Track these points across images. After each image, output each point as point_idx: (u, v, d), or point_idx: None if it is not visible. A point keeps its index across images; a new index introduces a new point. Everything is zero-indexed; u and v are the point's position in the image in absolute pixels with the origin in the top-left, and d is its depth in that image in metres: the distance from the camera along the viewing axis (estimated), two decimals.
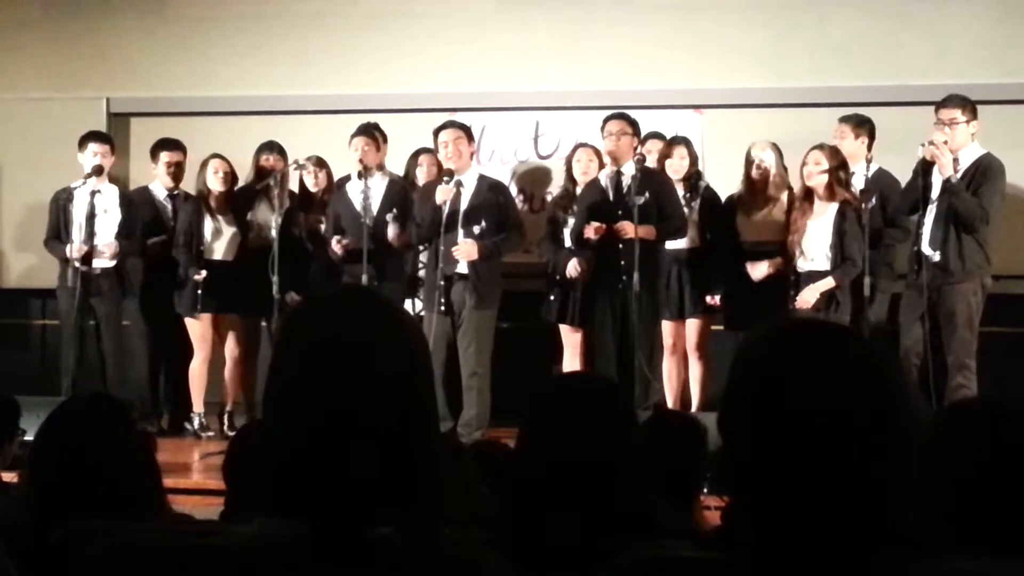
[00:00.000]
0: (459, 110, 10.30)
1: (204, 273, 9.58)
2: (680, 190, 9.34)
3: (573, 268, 9.18)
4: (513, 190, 10.34)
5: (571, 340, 9.39)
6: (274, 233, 9.34)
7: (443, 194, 9.02)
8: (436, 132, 9.33)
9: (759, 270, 8.83)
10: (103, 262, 9.70)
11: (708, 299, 9.32)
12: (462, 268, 9.06)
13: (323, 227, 9.77)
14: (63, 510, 3.19)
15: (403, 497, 1.89)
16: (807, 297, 8.56)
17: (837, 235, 8.50)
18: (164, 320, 9.98)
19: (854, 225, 8.50)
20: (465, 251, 9.01)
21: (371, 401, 1.88)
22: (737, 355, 1.96)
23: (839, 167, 8.59)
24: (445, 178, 9.10)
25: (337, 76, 11.10)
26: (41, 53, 11.62)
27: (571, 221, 9.38)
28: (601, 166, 9.38)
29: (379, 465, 1.86)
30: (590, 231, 8.90)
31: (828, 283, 8.55)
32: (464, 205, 9.12)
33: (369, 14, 11.14)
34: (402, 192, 9.60)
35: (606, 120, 9.19)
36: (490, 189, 9.26)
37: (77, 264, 9.48)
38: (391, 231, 9.39)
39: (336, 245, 9.35)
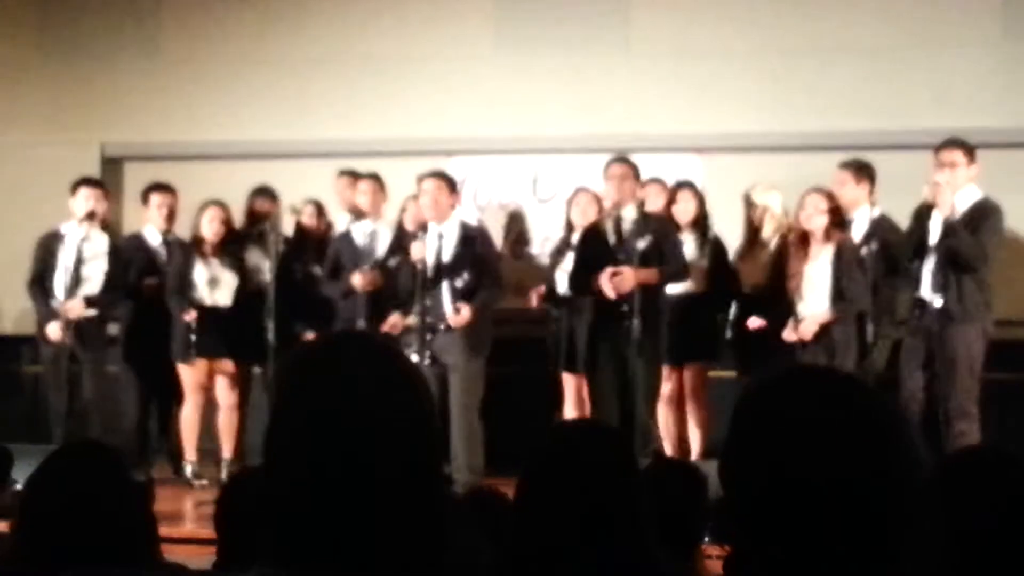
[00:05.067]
0: (457, 154, 10.34)
1: (194, 314, 9.55)
2: (690, 236, 9.34)
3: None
4: (510, 235, 10.34)
5: (572, 387, 9.35)
6: (268, 278, 9.36)
7: (418, 251, 9.03)
8: (420, 179, 9.32)
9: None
10: (88, 311, 9.71)
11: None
12: (448, 319, 9.04)
13: (317, 269, 9.79)
14: (54, 560, 3.15)
15: (406, 546, 1.85)
16: (807, 328, 8.52)
17: (835, 275, 8.48)
18: (155, 366, 9.93)
19: (852, 265, 8.48)
20: (461, 320, 8.98)
21: (373, 448, 1.85)
22: (739, 404, 1.96)
23: (836, 209, 8.59)
24: (420, 233, 9.10)
25: (334, 121, 11.13)
26: (35, 97, 11.68)
27: (563, 265, 9.40)
28: (600, 211, 9.36)
29: (382, 513, 1.84)
30: (610, 284, 8.83)
31: (826, 315, 8.50)
32: (446, 257, 9.11)
33: (366, 59, 11.18)
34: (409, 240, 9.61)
35: (609, 163, 9.17)
36: (469, 238, 9.22)
37: (63, 315, 9.51)
38: (357, 276, 9.38)
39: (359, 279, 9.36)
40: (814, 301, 8.57)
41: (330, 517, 1.83)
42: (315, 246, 10.06)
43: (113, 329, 10.14)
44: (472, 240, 9.23)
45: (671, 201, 9.48)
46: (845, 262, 8.49)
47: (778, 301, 8.75)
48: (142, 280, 9.96)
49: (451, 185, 9.29)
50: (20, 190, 11.32)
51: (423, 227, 9.13)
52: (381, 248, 9.54)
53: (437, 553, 1.89)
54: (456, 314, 8.98)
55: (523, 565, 2.79)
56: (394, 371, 1.94)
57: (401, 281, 9.33)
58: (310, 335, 9.41)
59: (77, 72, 11.61)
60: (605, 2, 10.92)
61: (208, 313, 9.66)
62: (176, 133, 11.33)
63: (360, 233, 9.48)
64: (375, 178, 9.66)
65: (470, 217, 9.81)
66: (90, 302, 9.65)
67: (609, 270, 8.84)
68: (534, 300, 9.59)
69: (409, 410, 1.91)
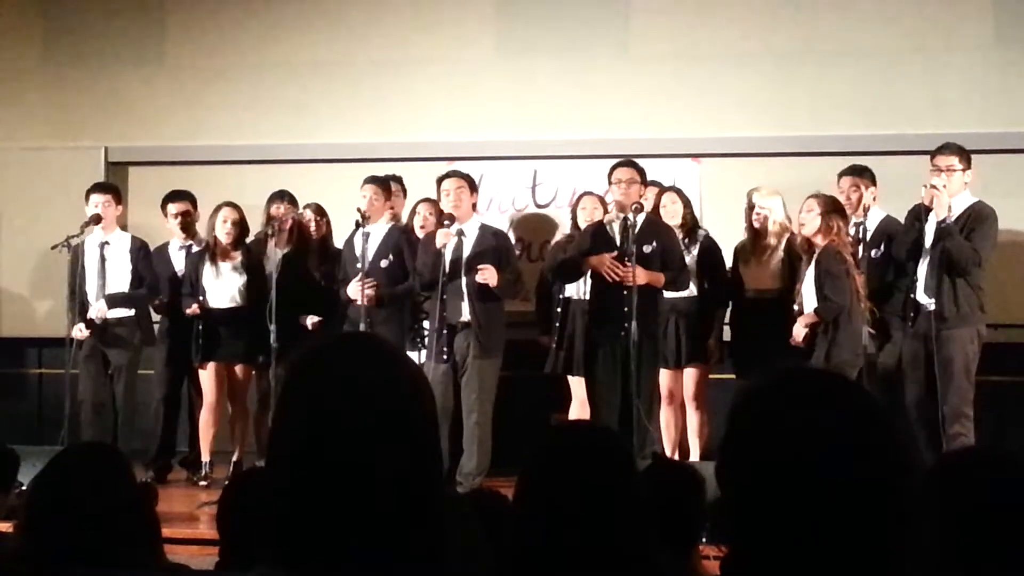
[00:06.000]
0: (458, 159, 10.32)
1: (195, 307, 9.59)
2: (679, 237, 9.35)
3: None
4: (510, 239, 10.34)
5: (578, 390, 9.37)
6: (272, 280, 9.38)
7: (443, 237, 9.01)
8: (439, 180, 9.34)
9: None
10: (117, 311, 9.77)
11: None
12: (465, 316, 9.04)
13: (317, 275, 9.85)
14: (58, 561, 3.17)
15: (406, 545, 1.88)
16: (796, 332, 8.52)
17: (816, 278, 8.47)
18: (185, 369, 10.02)
19: (831, 271, 8.40)
20: (488, 275, 8.97)
21: (374, 449, 1.87)
22: (735, 405, 1.96)
23: (832, 213, 8.54)
24: (446, 222, 9.11)
25: (336, 125, 11.12)
26: (40, 102, 11.67)
27: None
28: (604, 214, 9.38)
29: (383, 513, 1.86)
30: (610, 265, 8.80)
31: (810, 317, 8.46)
32: (466, 253, 9.10)
33: (368, 63, 11.18)
34: (401, 240, 9.59)
35: (615, 167, 9.09)
36: (491, 237, 9.25)
37: (91, 320, 9.56)
38: (352, 286, 9.37)
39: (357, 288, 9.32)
40: (807, 303, 8.56)
41: (330, 518, 1.85)
42: (316, 249, 10.04)
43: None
44: (494, 238, 9.27)
45: (657, 205, 9.46)
46: (826, 264, 8.43)
47: (787, 305, 8.75)
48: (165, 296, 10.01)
49: (471, 184, 9.30)
50: (26, 195, 11.30)
51: (449, 218, 9.12)
52: (372, 251, 9.47)
53: (436, 553, 1.91)
54: (481, 272, 8.97)
55: (523, 565, 2.80)
56: (394, 373, 1.97)
57: (393, 281, 9.40)
58: (312, 320, 9.48)
59: (82, 78, 11.61)
60: (605, 7, 10.90)
61: (218, 315, 9.70)
62: (180, 138, 11.33)
63: (357, 237, 9.45)
64: (375, 182, 9.61)
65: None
66: (113, 301, 9.72)
67: (611, 255, 8.85)
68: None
69: (409, 411, 1.93)
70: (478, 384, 9.02)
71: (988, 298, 8.48)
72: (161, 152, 11.32)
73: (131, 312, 9.88)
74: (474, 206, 9.36)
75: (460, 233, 9.12)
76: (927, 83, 10.37)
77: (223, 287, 9.73)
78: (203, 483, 9.65)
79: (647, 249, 8.85)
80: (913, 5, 10.52)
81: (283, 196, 10.03)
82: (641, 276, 8.71)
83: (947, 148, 8.58)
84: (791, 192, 9.01)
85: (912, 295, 8.52)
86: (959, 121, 9.95)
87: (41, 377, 11.44)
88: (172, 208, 10.12)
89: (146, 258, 9.96)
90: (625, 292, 8.70)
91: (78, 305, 9.69)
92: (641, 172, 9.06)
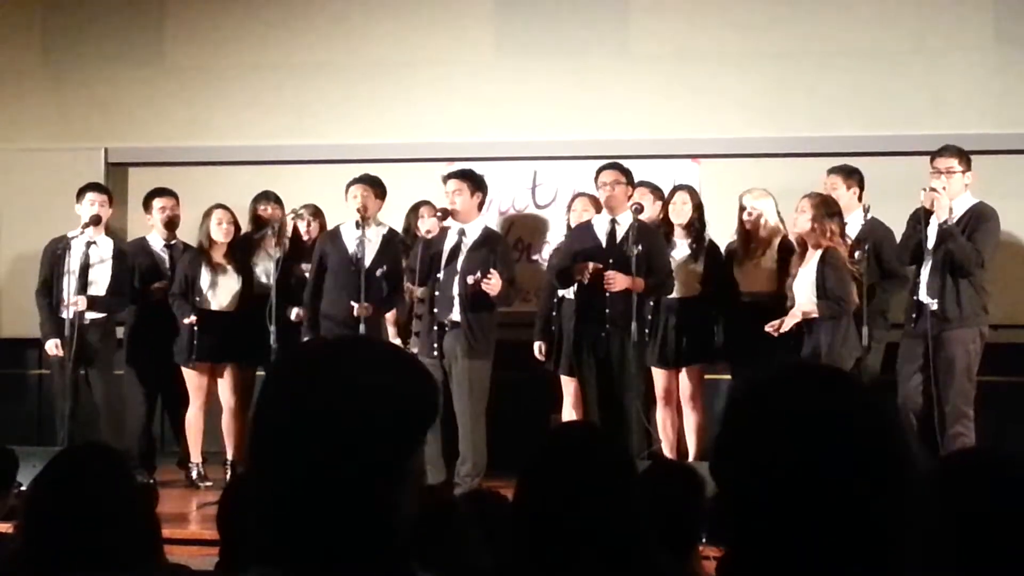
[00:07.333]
0: (457, 160, 10.31)
1: (194, 318, 9.56)
2: (684, 239, 9.35)
3: (538, 352, 9.56)
4: (510, 240, 10.35)
5: (570, 389, 9.37)
6: (270, 281, 9.39)
7: (430, 224, 9.09)
8: (445, 179, 9.36)
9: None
10: (92, 314, 9.71)
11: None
12: (455, 316, 9.04)
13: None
14: (58, 562, 3.17)
15: (402, 544, 1.88)
16: (788, 321, 8.47)
17: (819, 280, 8.42)
18: (159, 369, 9.94)
19: (836, 270, 8.37)
20: (493, 284, 8.93)
21: (369, 448, 1.87)
22: (731, 401, 1.94)
23: (827, 215, 8.50)
24: (438, 213, 9.14)
25: (335, 126, 11.12)
26: (40, 103, 11.66)
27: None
28: (597, 214, 9.40)
29: (369, 510, 1.86)
30: (587, 272, 8.85)
31: (808, 307, 8.41)
32: (463, 253, 9.10)
33: (367, 64, 11.18)
34: (395, 249, 9.58)
35: (600, 170, 9.17)
36: (491, 241, 9.25)
37: (70, 314, 9.49)
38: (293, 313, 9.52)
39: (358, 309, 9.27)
40: (800, 302, 8.49)
41: (315, 515, 1.85)
42: (311, 250, 10.01)
43: (118, 332, 10.16)
44: (491, 241, 9.27)
45: (668, 201, 9.48)
46: (830, 268, 8.38)
47: (780, 306, 8.73)
48: (147, 286, 9.96)
49: (473, 185, 9.28)
50: (26, 196, 11.28)
51: (444, 212, 9.14)
52: (370, 256, 9.41)
53: (404, 546, 1.91)
54: (487, 282, 8.94)
55: (523, 566, 2.80)
56: (389, 372, 1.95)
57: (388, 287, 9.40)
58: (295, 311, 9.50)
59: (81, 79, 11.60)
60: (604, 7, 10.89)
61: (212, 317, 9.68)
62: (180, 139, 11.32)
63: (350, 238, 9.43)
64: (367, 181, 9.55)
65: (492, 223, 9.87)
66: (93, 303, 9.66)
67: (592, 265, 8.86)
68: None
69: (408, 411, 1.92)
70: (468, 385, 8.99)
71: (991, 298, 8.50)
72: (161, 153, 11.30)
73: (103, 315, 9.85)
74: (479, 207, 9.36)
75: (461, 233, 9.13)
76: (927, 83, 10.36)
77: (221, 289, 9.73)
78: (202, 484, 9.65)
79: (635, 252, 8.85)
80: (913, 5, 10.52)
81: (269, 196, 10.06)
82: (621, 282, 8.74)
83: (946, 150, 8.61)
84: (790, 193, 9.00)
85: (915, 296, 8.54)
86: (959, 122, 9.95)
87: (41, 377, 11.41)
88: (159, 203, 10.13)
89: (127, 266, 9.94)
90: (607, 294, 8.75)
91: (52, 307, 9.67)
92: (626, 172, 9.09)
